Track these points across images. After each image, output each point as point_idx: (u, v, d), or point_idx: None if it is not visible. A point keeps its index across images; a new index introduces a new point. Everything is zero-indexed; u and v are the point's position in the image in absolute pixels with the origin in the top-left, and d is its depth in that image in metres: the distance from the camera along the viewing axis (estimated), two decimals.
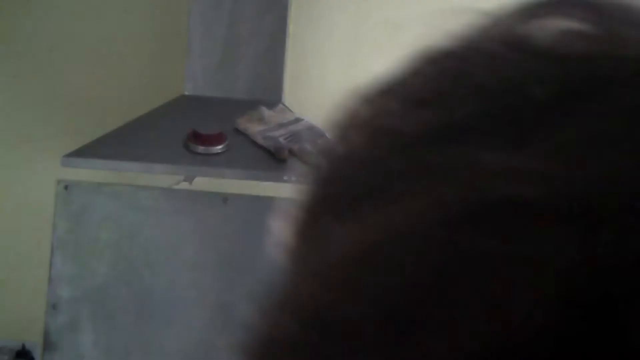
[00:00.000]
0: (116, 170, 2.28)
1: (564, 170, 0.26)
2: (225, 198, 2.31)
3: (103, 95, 2.53)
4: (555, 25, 0.30)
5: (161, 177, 2.30)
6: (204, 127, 2.09)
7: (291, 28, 2.28)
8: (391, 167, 0.28)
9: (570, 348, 0.25)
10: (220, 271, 2.33)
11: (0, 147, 2.57)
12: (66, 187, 2.36)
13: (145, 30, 2.55)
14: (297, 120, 2.13)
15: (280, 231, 0.34)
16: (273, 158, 2.02)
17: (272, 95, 2.22)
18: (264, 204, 2.22)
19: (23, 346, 2.48)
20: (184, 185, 2.35)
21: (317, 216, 0.31)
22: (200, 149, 2.08)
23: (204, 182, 2.31)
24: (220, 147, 2.08)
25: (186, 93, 2.29)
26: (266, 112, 2.12)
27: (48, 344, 2.36)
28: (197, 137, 2.08)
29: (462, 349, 0.25)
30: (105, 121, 2.26)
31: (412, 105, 0.30)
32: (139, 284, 2.35)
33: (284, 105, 2.20)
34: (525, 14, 0.31)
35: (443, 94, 0.30)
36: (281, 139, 2.06)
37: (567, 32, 0.29)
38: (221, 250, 2.33)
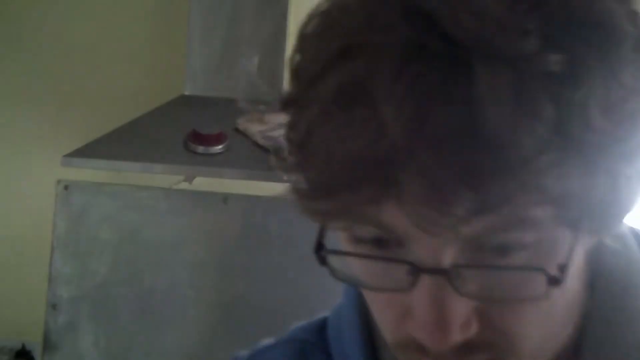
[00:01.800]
0: (116, 170, 2.28)
1: None
2: (225, 198, 2.31)
3: (103, 95, 2.53)
4: None
5: (161, 177, 2.30)
6: (204, 127, 2.09)
7: (291, 28, 2.28)
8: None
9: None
10: (220, 271, 2.32)
11: (0, 146, 2.57)
12: (66, 187, 2.35)
13: (145, 31, 2.55)
14: None
15: None
16: None
17: (272, 94, 2.22)
18: (264, 204, 2.22)
19: (23, 346, 2.48)
20: (184, 185, 2.34)
21: None
22: (200, 149, 2.07)
23: (204, 182, 2.31)
24: (220, 147, 2.08)
25: (186, 93, 2.29)
26: (266, 112, 2.12)
27: (48, 344, 2.36)
28: (197, 137, 2.08)
29: None
30: (105, 121, 2.26)
31: None
32: (139, 284, 2.35)
33: None
34: None
35: None
36: (281, 139, 2.05)
37: None
38: (221, 250, 2.33)
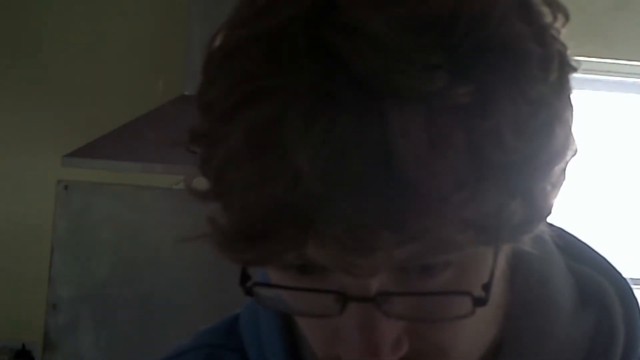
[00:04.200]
0: (116, 170, 2.28)
1: None
2: None
3: (103, 95, 2.53)
4: None
5: (161, 177, 2.30)
6: None
7: None
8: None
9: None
10: (220, 271, 2.32)
11: (0, 147, 2.57)
12: (66, 187, 2.36)
13: (145, 31, 2.55)
14: None
15: None
16: None
17: None
18: None
19: (23, 346, 2.48)
20: (184, 185, 2.34)
21: None
22: None
23: (204, 182, 2.30)
24: None
25: (186, 93, 2.29)
26: None
27: (48, 344, 2.36)
28: None
29: None
30: (105, 121, 2.26)
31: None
32: (139, 284, 2.35)
33: None
34: None
35: None
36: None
37: None
38: None
